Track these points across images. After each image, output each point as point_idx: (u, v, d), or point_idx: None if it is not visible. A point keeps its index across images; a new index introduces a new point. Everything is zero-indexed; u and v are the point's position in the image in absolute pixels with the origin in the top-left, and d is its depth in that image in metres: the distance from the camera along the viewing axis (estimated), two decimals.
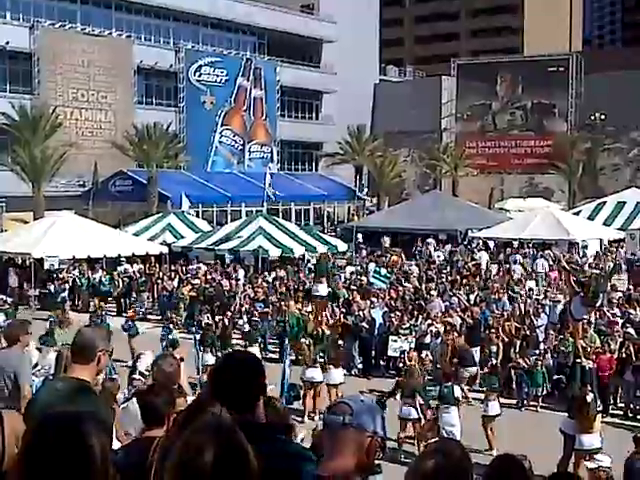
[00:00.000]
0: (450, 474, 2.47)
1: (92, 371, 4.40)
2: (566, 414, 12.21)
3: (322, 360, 15.75)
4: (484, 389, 13.87)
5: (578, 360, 14.61)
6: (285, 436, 3.03)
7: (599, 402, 12.28)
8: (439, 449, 2.57)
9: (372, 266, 28.69)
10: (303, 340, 17.08)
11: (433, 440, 9.37)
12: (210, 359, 16.59)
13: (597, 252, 31.19)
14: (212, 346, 17.18)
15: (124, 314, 22.11)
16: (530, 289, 23.21)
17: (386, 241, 36.69)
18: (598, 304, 18.06)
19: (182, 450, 2.02)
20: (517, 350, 17.46)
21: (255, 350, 16.62)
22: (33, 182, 35.92)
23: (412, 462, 2.59)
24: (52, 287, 25.87)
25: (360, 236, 36.92)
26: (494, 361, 15.92)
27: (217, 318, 20.11)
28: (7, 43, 42.09)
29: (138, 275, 26.79)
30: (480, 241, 34.74)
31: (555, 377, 16.26)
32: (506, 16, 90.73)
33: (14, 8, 44.37)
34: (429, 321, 18.43)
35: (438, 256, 32.25)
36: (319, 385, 15.17)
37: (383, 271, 26.03)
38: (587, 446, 11.39)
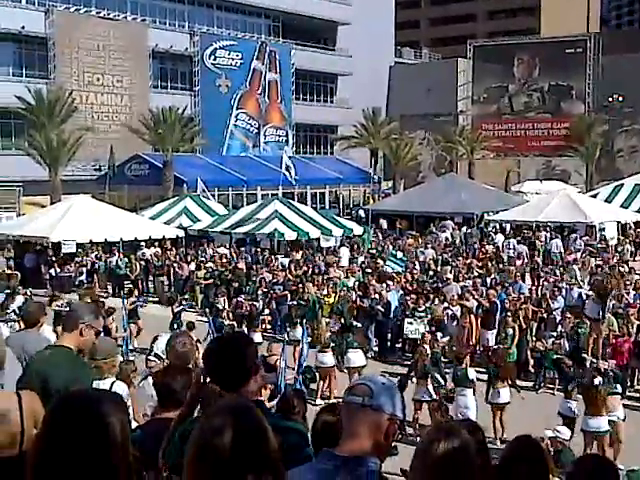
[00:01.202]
0: (457, 456, 2.46)
1: (74, 340, 4.75)
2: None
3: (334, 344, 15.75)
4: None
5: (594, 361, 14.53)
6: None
7: (617, 385, 12.21)
8: (446, 431, 2.56)
9: (390, 249, 28.78)
10: (322, 323, 17.10)
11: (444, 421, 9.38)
12: None
13: (618, 238, 30.99)
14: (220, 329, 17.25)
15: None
16: (547, 272, 23.10)
17: (383, 223, 36.65)
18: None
19: (201, 431, 2.03)
20: (534, 333, 17.44)
21: (257, 335, 16.61)
22: (50, 166, 36.08)
23: (419, 444, 2.58)
24: (69, 270, 26.02)
25: (385, 222, 36.97)
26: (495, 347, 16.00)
27: (233, 301, 20.17)
28: (23, 28, 42.19)
29: (155, 259, 26.90)
30: (497, 224, 34.59)
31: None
32: None
33: None
34: (445, 304, 18.41)
35: (446, 238, 32.18)
36: (331, 369, 15.18)
37: (399, 254, 25.93)
38: (594, 428, 11.43)
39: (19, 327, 11.63)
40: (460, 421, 3.85)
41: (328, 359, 15.24)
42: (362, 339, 16.84)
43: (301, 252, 27.72)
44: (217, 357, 3.21)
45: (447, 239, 32.24)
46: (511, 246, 29.30)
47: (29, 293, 21.28)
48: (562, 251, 28.09)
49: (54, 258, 26.55)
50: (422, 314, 17.84)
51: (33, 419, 3.38)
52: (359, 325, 17.46)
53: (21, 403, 3.42)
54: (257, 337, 16.54)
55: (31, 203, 35.37)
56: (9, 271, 26.05)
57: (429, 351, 14.03)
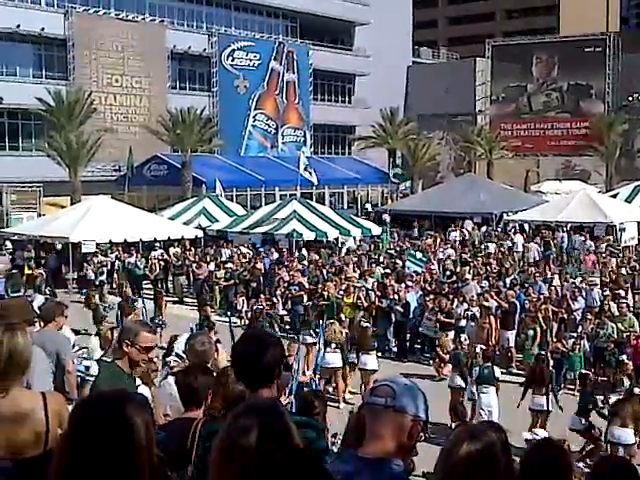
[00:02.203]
0: (482, 459, 2.44)
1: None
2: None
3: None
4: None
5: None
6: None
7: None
8: (471, 433, 2.54)
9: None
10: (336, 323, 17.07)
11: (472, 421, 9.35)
12: None
13: (638, 238, 30.75)
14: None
15: None
16: (567, 272, 23.00)
17: (386, 219, 36.54)
18: None
19: (227, 432, 2.04)
20: (554, 334, 17.35)
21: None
22: (69, 167, 36.29)
23: (444, 446, 2.57)
24: (89, 270, 26.20)
25: (387, 218, 36.92)
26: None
27: (252, 301, 20.21)
28: (42, 29, 42.47)
29: (174, 259, 27.01)
30: (516, 224, 34.44)
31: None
32: None
33: None
34: (465, 305, 18.34)
35: (455, 237, 32.17)
36: (337, 370, 15.11)
37: (418, 255, 25.79)
38: (623, 440, 11.26)
39: (38, 326, 11.74)
40: (483, 422, 3.84)
41: (335, 359, 15.08)
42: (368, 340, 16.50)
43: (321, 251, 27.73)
44: (244, 355, 3.26)
45: (457, 238, 32.21)
46: (519, 247, 29.33)
47: (48, 292, 21.51)
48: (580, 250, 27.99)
49: (74, 258, 26.75)
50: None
51: (58, 419, 3.40)
52: (368, 325, 17.37)
53: (46, 403, 3.45)
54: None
55: (51, 204, 35.61)
56: (29, 271, 26.33)
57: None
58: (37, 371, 5.31)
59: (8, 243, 29.36)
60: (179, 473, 3.35)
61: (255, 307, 19.39)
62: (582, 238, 29.49)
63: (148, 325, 5.82)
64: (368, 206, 40.86)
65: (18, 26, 41.36)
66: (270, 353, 3.22)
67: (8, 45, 42.35)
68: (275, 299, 21.08)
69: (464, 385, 13.17)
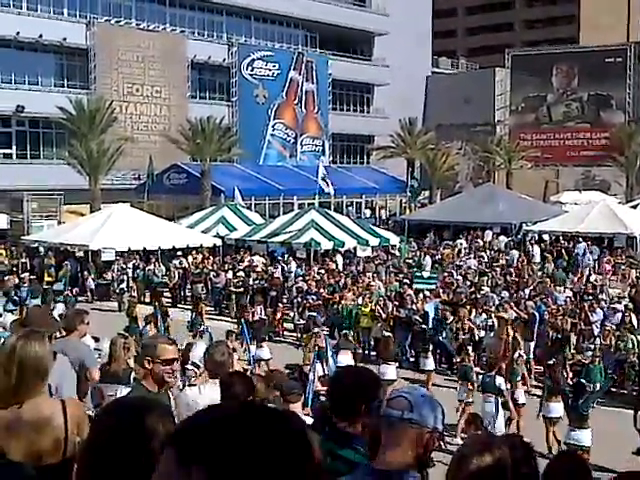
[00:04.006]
0: (490, 473, 2.43)
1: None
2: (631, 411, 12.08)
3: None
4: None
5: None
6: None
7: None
8: (481, 446, 2.53)
9: (427, 260, 28.62)
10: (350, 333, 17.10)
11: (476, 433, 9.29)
12: (263, 353, 16.73)
13: None
14: (263, 339, 17.30)
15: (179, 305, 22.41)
16: (585, 284, 22.82)
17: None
18: None
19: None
20: (574, 346, 17.22)
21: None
22: (90, 175, 36.57)
23: (454, 456, 2.56)
24: (109, 278, 26.34)
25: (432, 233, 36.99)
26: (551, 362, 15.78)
27: (269, 310, 20.23)
28: (64, 39, 42.92)
29: (193, 267, 27.10)
30: (535, 235, 34.25)
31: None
32: (562, 5, 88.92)
33: (71, 5, 45.18)
34: (484, 315, 18.25)
35: (464, 247, 32.22)
36: None
37: (425, 274, 23.78)
38: None
39: (59, 334, 11.82)
40: (506, 436, 3.82)
41: (346, 360, 15.00)
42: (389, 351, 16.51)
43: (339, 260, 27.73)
44: (336, 387, 3.48)
45: (464, 247, 32.26)
46: (537, 257, 29.26)
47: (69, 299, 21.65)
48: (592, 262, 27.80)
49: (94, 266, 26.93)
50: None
51: (77, 426, 3.42)
52: (390, 335, 17.36)
53: (65, 410, 3.47)
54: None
55: (71, 211, 35.86)
56: (49, 278, 26.53)
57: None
58: (66, 379, 5.36)
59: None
60: None
61: (258, 317, 19.41)
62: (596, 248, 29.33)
63: (166, 337, 5.81)
64: (383, 213, 40.79)
65: (40, 36, 41.86)
66: (360, 389, 3.36)
67: (31, 55, 42.86)
68: (292, 308, 21.12)
69: (470, 400, 13.15)
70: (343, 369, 3.94)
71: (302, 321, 20.92)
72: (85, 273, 27.30)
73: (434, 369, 16.07)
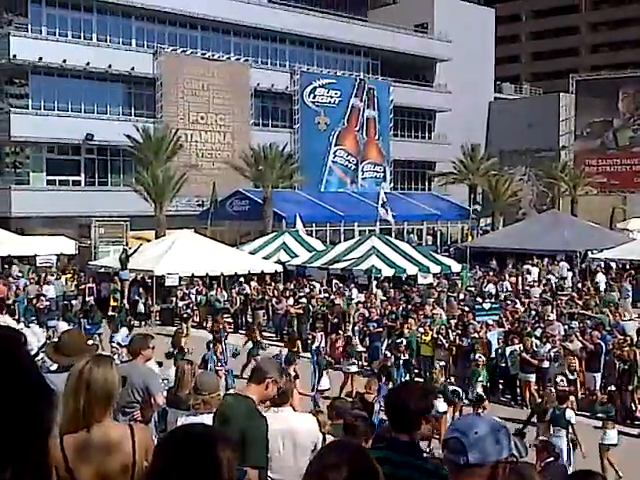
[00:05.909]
0: None
1: (259, 392, 5.13)
2: None
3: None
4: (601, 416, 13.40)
5: None
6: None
7: None
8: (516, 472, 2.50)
9: (490, 287, 28.24)
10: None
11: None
12: (323, 382, 16.67)
13: None
14: (325, 368, 17.24)
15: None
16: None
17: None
18: None
19: (317, 465, 2.08)
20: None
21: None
22: (155, 202, 37.29)
23: None
24: (173, 303, 26.73)
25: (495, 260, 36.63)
26: (613, 388, 15.41)
27: (332, 337, 20.22)
28: (132, 69, 44.15)
29: (254, 293, 27.30)
30: (602, 263, 33.50)
31: None
32: (628, 29, 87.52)
33: (139, 35, 46.53)
34: (548, 345, 17.88)
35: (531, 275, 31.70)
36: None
37: (487, 305, 23.00)
38: None
39: (125, 358, 12.06)
40: (585, 472, 3.75)
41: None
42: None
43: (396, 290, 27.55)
44: (393, 401, 3.75)
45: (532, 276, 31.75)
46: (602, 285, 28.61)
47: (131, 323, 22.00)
48: None
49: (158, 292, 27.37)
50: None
51: (145, 451, 3.48)
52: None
53: (133, 435, 3.54)
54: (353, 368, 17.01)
55: (137, 237, 36.58)
56: (114, 303, 27.04)
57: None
58: (152, 378, 5.68)
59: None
60: None
61: (316, 344, 19.25)
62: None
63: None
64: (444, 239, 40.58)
65: (110, 66, 43.12)
66: (415, 403, 3.56)
67: (100, 84, 44.18)
68: (353, 335, 21.04)
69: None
70: (394, 388, 4.27)
71: (362, 348, 20.85)
72: (149, 298, 27.75)
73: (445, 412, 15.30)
